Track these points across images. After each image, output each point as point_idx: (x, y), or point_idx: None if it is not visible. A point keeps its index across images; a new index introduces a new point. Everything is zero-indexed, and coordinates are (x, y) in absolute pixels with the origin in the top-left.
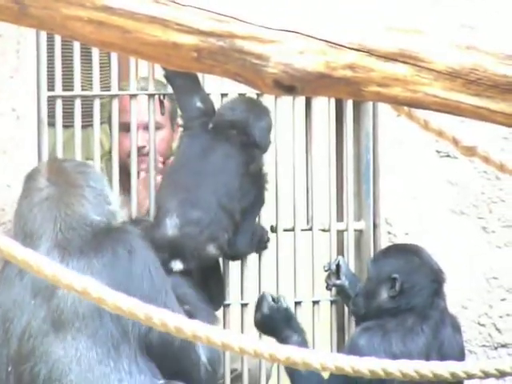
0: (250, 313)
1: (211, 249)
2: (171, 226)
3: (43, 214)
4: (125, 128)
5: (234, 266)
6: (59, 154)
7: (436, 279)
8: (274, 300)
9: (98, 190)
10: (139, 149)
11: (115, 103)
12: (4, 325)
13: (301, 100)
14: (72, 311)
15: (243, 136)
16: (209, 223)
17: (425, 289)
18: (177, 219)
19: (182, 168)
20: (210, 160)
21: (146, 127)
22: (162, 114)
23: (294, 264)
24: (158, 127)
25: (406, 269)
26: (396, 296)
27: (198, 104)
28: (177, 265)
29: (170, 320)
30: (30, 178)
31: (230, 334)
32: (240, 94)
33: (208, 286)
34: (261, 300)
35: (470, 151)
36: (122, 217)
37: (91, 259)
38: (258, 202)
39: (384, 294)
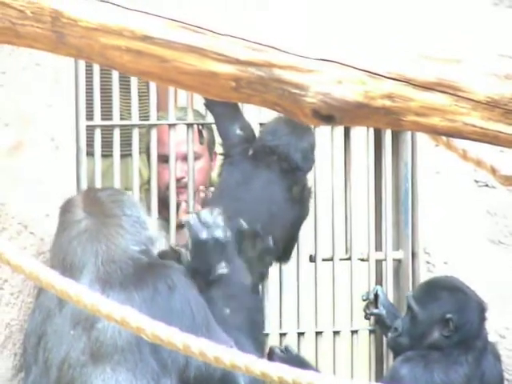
0: (290, 342)
1: (267, 259)
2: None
3: (83, 246)
4: (163, 159)
5: (272, 296)
6: (98, 184)
7: (483, 311)
8: (282, 351)
9: (134, 218)
10: (178, 180)
11: (153, 133)
12: (44, 354)
13: (339, 130)
14: (111, 344)
15: (284, 162)
16: (262, 241)
17: (475, 323)
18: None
19: (224, 196)
20: (252, 187)
21: (184, 158)
22: (201, 143)
23: (332, 293)
24: (197, 157)
25: (457, 307)
26: (451, 335)
27: (238, 131)
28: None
29: (209, 349)
30: (66, 209)
31: (269, 363)
32: (279, 117)
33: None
34: (270, 355)
35: (509, 181)
36: (160, 241)
37: (131, 293)
38: (303, 215)
39: (436, 334)
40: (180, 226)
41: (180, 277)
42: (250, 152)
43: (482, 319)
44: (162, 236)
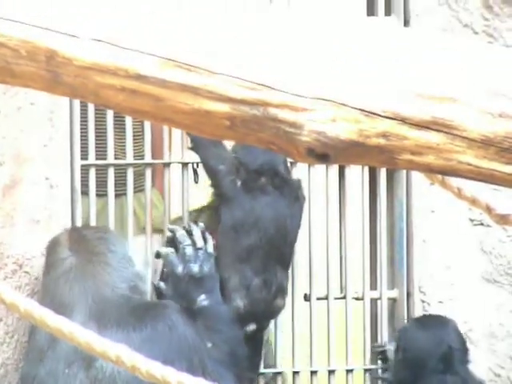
0: (285, 381)
1: (279, 301)
2: (240, 298)
3: (70, 285)
4: None
5: (267, 333)
6: (93, 223)
7: (440, 354)
8: None
9: (120, 254)
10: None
11: (148, 172)
12: None
13: (334, 168)
14: (111, 382)
15: (274, 179)
16: (274, 280)
17: (426, 362)
18: (244, 291)
19: (232, 238)
20: (257, 220)
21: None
22: (196, 182)
23: (327, 332)
24: None
25: (408, 338)
26: (400, 364)
27: (221, 167)
28: (251, 327)
29: None
30: (51, 249)
31: None
32: None
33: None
34: None
35: (504, 219)
36: (147, 277)
37: (129, 333)
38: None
39: (394, 361)
40: None
41: (179, 317)
42: (238, 183)
43: (439, 365)
44: (148, 272)
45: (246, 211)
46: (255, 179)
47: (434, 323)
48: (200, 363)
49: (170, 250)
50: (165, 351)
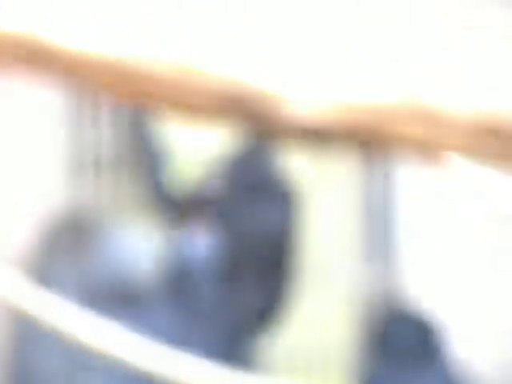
0: None
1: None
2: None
3: (60, 271)
4: None
5: None
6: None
7: (423, 332)
8: None
9: (114, 237)
10: None
11: None
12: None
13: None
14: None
15: (258, 187)
16: (271, 275)
17: (410, 339)
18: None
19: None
20: (254, 229)
21: None
22: None
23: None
24: None
25: (391, 320)
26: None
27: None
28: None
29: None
30: (45, 231)
31: None
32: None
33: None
34: None
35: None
36: (141, 264)
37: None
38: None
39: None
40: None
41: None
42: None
43: (422, 338)
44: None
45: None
46: (242, 192)
47: (410, 315)
48: None
49: None
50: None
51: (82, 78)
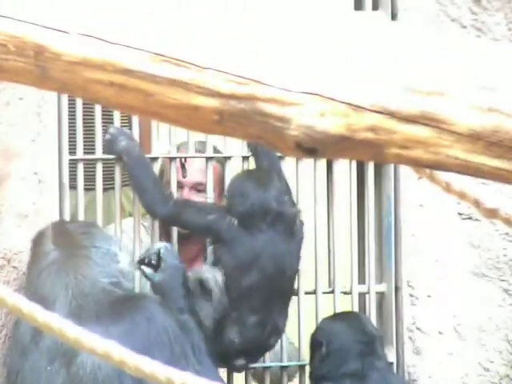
0: (273, 375)
1: (273, 341)
2: (236, 334)
3: (52, 279)
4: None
5: None
6: (81, 217)
7: (363, 340)
8: None
9: (103, 250)
10: None
11: None
12: None
13: (322, 162)
14: (92, 378)
15: (266, 217)
16: (270, 320)
17: (351, 349)
18: (239, 327)
19: (234, 277)
20: (257, 258)
21: (194, 187)
22: (184, 177)
23: (315, 327)
24: (206, 190)
25: (331, 332)
26: (325, 359)
27: (210, 217)
28: (240, 361)
29: (193, 383)
30: (36, 242)
31: None
32: (240, 174)
33: None
34: None
35: (492, 213)
36: (132, 274)
37: (108, 327)
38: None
39: (316, 360)
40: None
41: (157, 308)
42: (235, 223)
43: (365, 349)
44: (134, 269)
45: (246, 250)
46: (248, 219)
47: (351, 316)
48: (182, 353)
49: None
50: (145, 342)
51: (80, 81)
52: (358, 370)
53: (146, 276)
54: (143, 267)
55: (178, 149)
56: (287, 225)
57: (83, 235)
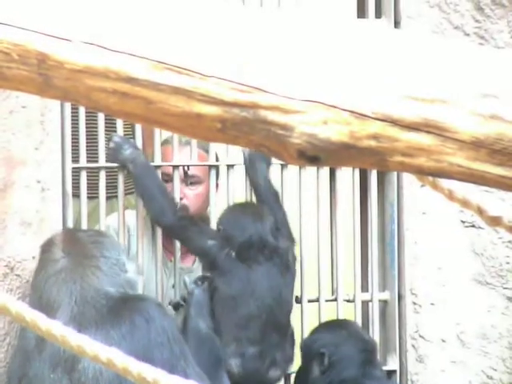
0: None
1: (272, 373)
2: (235, 365)
3: (58, 286)
4: (165, 178)
5: None
6: (84, 226)
7: (365, 349)
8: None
9: (113, 260)
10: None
11: None
12: None
13: (325, 170)
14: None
15: (264, 249)
16: (269, 352)
17: (353, 359)
18: (239, 359)
19: (230, 307)
20: (253, 291)
21: (183, 180)
22: (187, 184)
23: None
24: (197, 182)
25: (333, 342)
26: (326, 371)
27: (210, 242)
28: None
29: None
30: (45, 249)
31: None
32: (233, 207)
33: None
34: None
35: (495, 221)
36: (139, 285)
37: (108, 331)
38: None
39: (316, 371)
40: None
41: (155, 309)
42: (233, 254)
43: (366, 358)
44: (141, 279)
45: (243, 281)
46: (246, 250)
47: (346, 324)
48: (181, 353)
49: None
50: (145, 343)
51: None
52: (357, 378)
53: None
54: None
55: (162, 146)
56: (282, 258)
57: (93, 244)
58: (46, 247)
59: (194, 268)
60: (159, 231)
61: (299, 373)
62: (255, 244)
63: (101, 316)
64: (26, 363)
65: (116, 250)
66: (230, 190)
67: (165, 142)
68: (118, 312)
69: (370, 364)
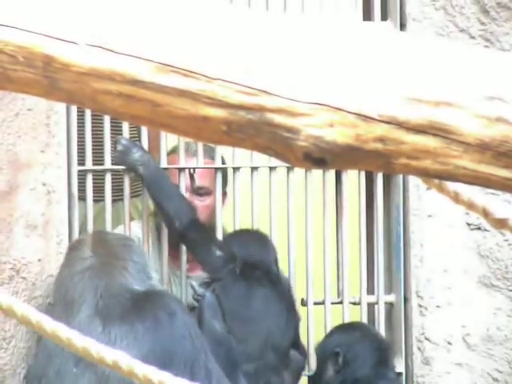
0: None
1: None
2: None
3: (84, 282)
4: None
5: None
6: (89, 229)
7: (378, 348)
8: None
9: (140, 266)
10: None
11: None
12: None
13: (331, 173)
14: (118, 377)
15: (268, 274)
16: (264, 372)
17: (367, 359)
18: None
19: (232, 320)
20: (253, 309)
21: (191, 191)
22: (193, 189)
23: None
24: (206, 193)
25: (348, 341)
26: (341, 370)
27: (218, 253)
28: None
29: None
30: (74, 247)
31: None
32: (244, 230)
33: None
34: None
35: (501, 223)
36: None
37: (133, 324)
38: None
39: (330, 370)
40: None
41: (177, 304)
42: (238, 271)
43: (379, 357)
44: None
45: (243, 298)
46: (250, 270)
47: (362, 326)
48: (202, 348)
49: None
50: (168, 337)
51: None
52: (370, 378)
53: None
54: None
55: (169, 155)
56: (283, 288)
57: (122, 247)
58: (75, 246)
59: (203, 276)
60: (165, 240)
61: (314, 376)
62: (261, 267)
63: (126, 310)
64: (48, 362)
65: (143, 256)
66: (236, 192)
67: (172, 151)
68: (141, 306)
69: (383, 365)
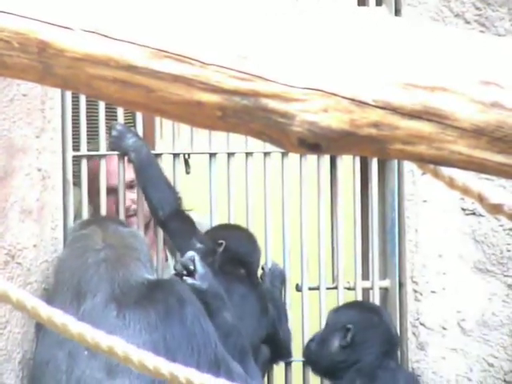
0: (277, 371)
1: None
2: None
3: (100, 275)
4: (107, 191)
5: None
6: (84, 214)
7: (389, 341)
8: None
9: (148, 255)
10: (127, 209)
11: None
12: (56, 377)
13: (326, 158)
14: None
15: (251, 275)
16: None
17: (375, 347)
18: None
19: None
20: (236, 304)
21: (130, 186)
22: (187, 173)
23: (319, 323)
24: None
25: (362, 322)
26: (347, 347)
27: (198, 245)
28: None
29: (196, 379)
30: (83, 235)
31: None
32: (236, 225)
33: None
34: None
35: (496, 209)
36: None
37: (147, 308)
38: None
39: (335, 343)
40: None
41: (187, 292)
42: (217, 265)
43: (387, 350)
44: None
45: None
46: (234, 268)
47: (380, 311)
48: (211, 333)
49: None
50: (178, 323)
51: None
52: (372, 368)
53: (192, 286)
54: (186, 278)
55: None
56: (261, 292)
57: (132, 238)
58: (82, 234)
59: (169, 264)
60: (161, 232)
61: (313, 341)
62: (248, 267)
63: (140, 297)
64: (56, 346)
65: (147, 245)
66: (231, 178)
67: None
68: (154, 294)
69: (389, 355)
